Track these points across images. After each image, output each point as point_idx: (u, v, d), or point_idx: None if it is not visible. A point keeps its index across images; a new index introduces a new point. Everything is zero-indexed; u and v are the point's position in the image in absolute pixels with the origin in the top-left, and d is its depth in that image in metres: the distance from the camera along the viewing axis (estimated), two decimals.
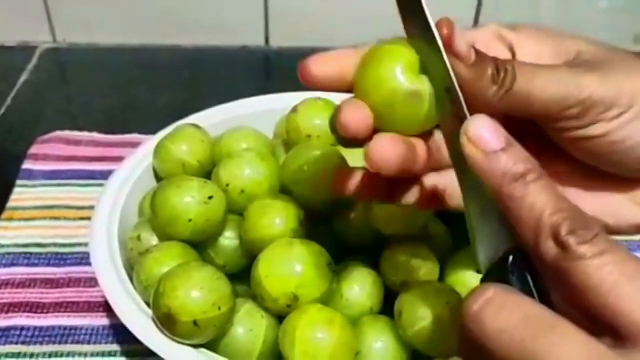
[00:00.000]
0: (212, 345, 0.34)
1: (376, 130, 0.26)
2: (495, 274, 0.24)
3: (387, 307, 0.37)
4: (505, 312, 0.21)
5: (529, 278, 0.23)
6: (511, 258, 0.23)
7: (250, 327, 0.35)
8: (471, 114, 0.24)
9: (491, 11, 0.72)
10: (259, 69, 0.74)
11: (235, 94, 0.51)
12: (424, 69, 0.26)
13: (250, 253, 0.38)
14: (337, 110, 0.26)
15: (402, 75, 0.25)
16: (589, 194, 0.31)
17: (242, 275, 0.39)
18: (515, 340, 0.20)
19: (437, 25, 0.25)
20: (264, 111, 0.50)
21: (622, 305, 0.20)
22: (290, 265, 0.34)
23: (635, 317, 0.20)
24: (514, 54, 0.30)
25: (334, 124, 0.26)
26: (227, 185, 0.40)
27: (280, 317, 0.35)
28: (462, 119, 0.24)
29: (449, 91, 0.25)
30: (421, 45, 0.25)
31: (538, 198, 0.22)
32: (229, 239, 0.39)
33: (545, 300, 0.22)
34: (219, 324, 0.33)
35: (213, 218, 0.38)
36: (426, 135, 0.28)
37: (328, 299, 0.35)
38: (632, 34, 0.74)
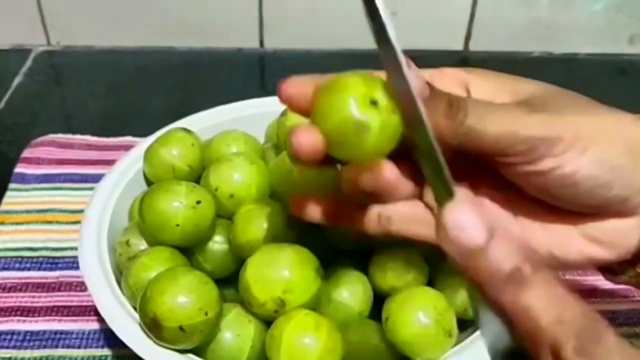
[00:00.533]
0: (199, 351, 0.34)
1: (328, 156, 0.26)
2: None
3: (376, 311, 0.37)
4: None
5: None
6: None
7: (237, 332, 0.35)
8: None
9: (486, 14, 0.72)
10: (253, 71, 0.74)
11: (230, 96, 0.51)
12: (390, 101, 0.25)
13: (239, 257, 0.38)
14: (290, 133, 0.26)
15: (351, 106, 0.25)
16: (539, 224, 0.30)
17: (230, 280, 0.39)
18: None
19: None
20: (256, 114, 0.50)
21: None
22: (278, 270, 0.34)
23: None
24: (469, 93, 0.30)
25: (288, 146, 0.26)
26: (216, 189, 0.40)
27: (268, 322, 0.35)
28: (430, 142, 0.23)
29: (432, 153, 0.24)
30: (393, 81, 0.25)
31: (533, 304, 0.19)
32: (217, 244, 0.39)
33: None
34: (205, 329, 0.33)
35: (201, 223, 0.38)
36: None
37: (316, 304, 0.35)
38: (627, 35, 0.74)
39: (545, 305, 0.19)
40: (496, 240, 0.20)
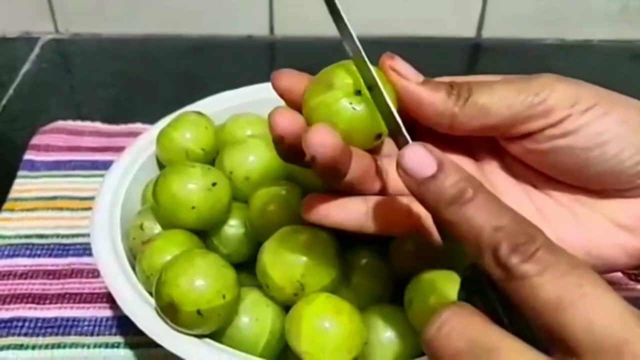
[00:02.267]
0: (216, 336, 0.33)
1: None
2: (464, 290, 0.24)
3: (397, 295, 0.36)
4: (454, 336, 0.21)
5: (488, 292, 0.22)
6: (466, 273, 0.23)
7: (255, 317, 0.34)
8: (431, 142, 0.24)
9: (499, 0, 0.71)
10: (263, 57, 0.73)
11: (239, 83, 0.50)
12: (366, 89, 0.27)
13: (256, 241, 0.37)
14: (270, 115, 0.27)
15: (337, 96, 0.27)
16: (567, 219, 0.30)
17: (247, 264, 0.38)
18: None
19: (381, 58, 0.28)
20: (268, 98, 0.48)
21: (568, 323, 0.20)
22: (297, 253, 0.33)
23: (580, 334, 0.19)
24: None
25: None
26: (231, 172, 0.39)
27: (286, 306, 0.34)
28: (398, 127, 0.25)
29: (371, 89, 0.27)
30: (368, 79, 0.27)
31: (474, 219, 0.22)
32: (233, 227, 0.38)
33: (508, 314, 0.22)
34: (223, 313, 0.32)
35: (217, 205, 0.37)
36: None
37: (335, 288, 0.34)
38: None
39: (485, 217, 0.22)
40: (444, 171, 0.23)
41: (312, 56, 0.77)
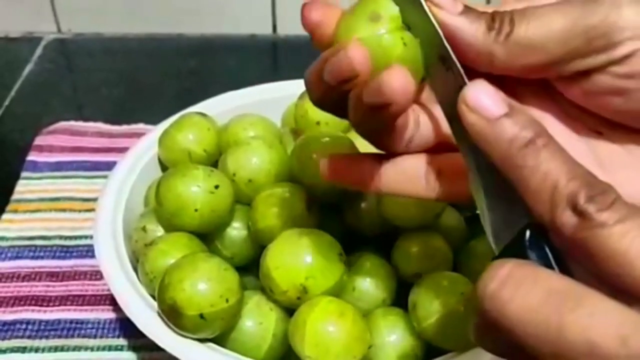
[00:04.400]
0: (219, 339, 0.33)
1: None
2: (510, 253, 0.22)
3: (400, 298, 0.36)
4: (526, 288, 0.19)
5: (549, 253, 0.21)
6: (528, 233, 0.21)
7: (259, 320, 0.34)
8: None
9: None
10: (266, 57, 0.73)
11: (242, 82, 0.50)
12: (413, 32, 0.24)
13: (259, 244, 0.37)
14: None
15: (387, 29, 0.24)
16: (624, 160, 0.27)
17: (250, 267, 0.38)
18: (540, 317, 0.19)
19: None
20: (271, 99, 0.49)
21: None
22: (300, 256, 0.33)
23: None
24: None
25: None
26: (234, 174, 0.39)
27: (290, 310, 0.34)
28: (460, 88, 0.22)
29: (444, 60, 0.23)
30: (410, 13, 0.24)
31: (551, 165, 0.20)
32: (236, 230, 0.38)
33: (565, 274, 0.21)
34: (226, 317, 0.32)
35: (220, 208, 0.37)
36: None
37: (339, 291, 0.34)
38: None
39: (562, 166, 0.20)
40: (517, 112, 0.21)
41: (316, 55, 0.77)
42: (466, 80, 0.23)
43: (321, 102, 0.26)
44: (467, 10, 0.24)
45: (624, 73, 0.24)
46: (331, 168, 0.28)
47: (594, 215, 0.19)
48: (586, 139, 0.27)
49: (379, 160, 0.27)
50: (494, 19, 0.24)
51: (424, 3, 0.24)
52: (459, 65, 0.23)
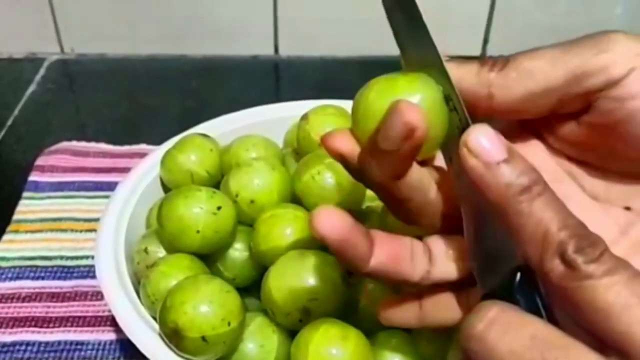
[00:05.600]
0: None
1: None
2: (498, 295, 0.23)
3: None
4: (512, 332, 0.20)
5: (537, 296, 0.22)
6: (518, 277, 0.22)
7: (261, 343, 0.33)
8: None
9: (504, 18, 0.71)
10: (268, 78, 0.73)
11: (244, 103, 0.50)
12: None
13: (261, 265, 0.37)
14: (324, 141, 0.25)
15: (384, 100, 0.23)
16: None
17: (252, 289, 0.38)
18: None
19: None
20: (273, 119, 0.49)
21: (632, 329, 0.19)
22: (302, 278, 0.33)
23: None
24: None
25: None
26: (237, 195, 0.39)
27: (292, 332, 0.34)
28: (462, 129, 0.22)
29: (448, 100, 0.24)
30: (411, 57, 0.25)
31: (545, 213, 0.21)
32: (238, 251, 0.38)
33: (551, 320, 0.21)
34: (228, 340, 0.32)
35: (222, 229, 0.36)
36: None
37: (342, 313, 0.34)
38: None
39: (555, 215, 0.21)
40: (515, 158, 0.21)
41: (317, 76, 0.78)
42: (469, 121, 0.23)
43: (388, 176, 0.24)
44: (456, 59, 0.25)
45: (621, 95, 0.24)
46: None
47: (582, 266, 0.20)
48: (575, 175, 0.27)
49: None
50: (485, 61, 0.25)
51: (439, 53, 0.24)
52: (463, 105, 0.23)
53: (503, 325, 0.20)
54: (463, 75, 0.25)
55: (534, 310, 0.21)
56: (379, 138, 0.22)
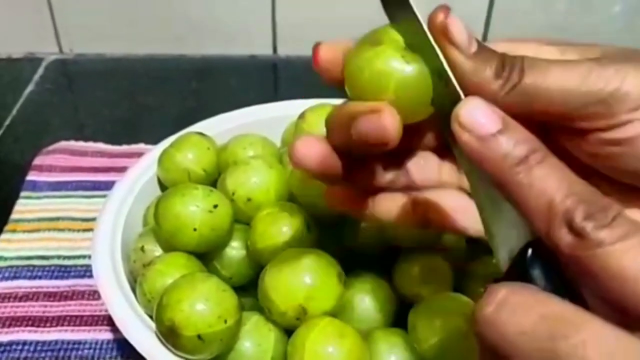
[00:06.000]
0: None
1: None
2: (514, 273, 0.22)
3: (400, 319, 0.35)
4: (521, 312, 0.19)
5: (552, 270, 0.21)
6: (530, 251, 0.21)
7: (257, 342, 0.33)
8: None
9: (502, 19, 0.71)
10: (266, 77, 0.73)
11: (243, 102, 0.50)
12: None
13: (257, 264, 0.37)
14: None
15: (385, 53, 0.24)
16: None
17: (248, 287, 0.38)
18: (535, 343, 0.18)
19: (433, 11, 0.24)
20: (271, 118, 0.49)
21: None
22: (299, 277, 0.33)
23: None
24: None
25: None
26: (233, 193, 0.39)
27: (288, 331, 0.33)
28: (456, 104, 0.22)
29: (441, 76, 0.23)
30: (408, 32, 0.24)
31: (547, 182, 0.20)
32: (235, 249, 0.38)
33: (574, 293, 0.20)
34: (224, 338, 0.32)
35: (218, 227, 0.36)
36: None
37: (338, 311, 0.34)
38: None
39: (558, 183, 0.20)
40: (511, 128, 0.21)
41: (316, 75, 0.77)
42: (462, 95, 0.23)
43: (339, 148, 0.26)
44: (480, 50, 0.24)
45: (614, 139, 0.24)
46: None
47: (591, 234, 0.19)
48: None
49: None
50: (504, 65, 0.24)
51: (422, 23, 0.24)
52: (455, 81, 0.23)
53: (512, 306, 0.19)
54: (477, 82, 0.24)
55: (552, 287, 0.21)
56: (352, 130, 0.23)
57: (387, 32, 0.25)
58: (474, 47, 0.24)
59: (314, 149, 0.26)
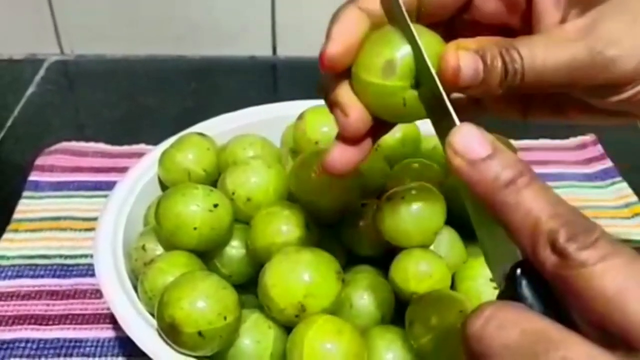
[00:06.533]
0: (217, 357, 0.33)
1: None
2: (508, 289, 0.23)
3: (398, 316, 0.36)
4: (506, 328, 0.20)
5: (541, 289, 0.22)
6: (518, 271, 0.22)
7: (257, 338, 0.34)
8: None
9: None
10: (266, 78, 0.74)
11: (242, 104, 0.51)
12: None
13: (257, 262, 0.37)
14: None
15: (395, 89, 0.27)
16: None
17: (248, 286, 0.38)
18: (518, 355, 0.19)
19: (443, 58, 0.26)
20: (270, 119, 0.49)
21: (630, 312, 0.19)
22: (298, 274, 0.33)
23: None
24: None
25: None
26: (233, 193, 0.39)
27: (288, 328, 0.34)
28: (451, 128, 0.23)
29: (438, 99, 0.25)
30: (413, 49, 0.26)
31: (533, 203, 0.21)
32: (235, 248, 0.39)
33: (561, 312, 0.21)
34: (224, 335, 0.32)
35: (218, 226, 0.37)
36: None
37: (337, 309, 0.34)
38: None
39: (543, 205, 0.21)
40: (500, 153, 0.22)
41: (315, 77, 0.77)
42: (457, 121, 0.24)
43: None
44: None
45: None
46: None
47: (574, 254, 0.20)
48: None
49: None
50: (507, 72, 0.26)
51: (424, 51, 0.25)
52: (450, 107, 0.24)
53: (498, 322, 0.20)
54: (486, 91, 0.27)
55: (540, 306, 0.21)
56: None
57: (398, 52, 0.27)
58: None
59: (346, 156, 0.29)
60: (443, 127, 0.25)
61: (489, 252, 0.24)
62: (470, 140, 0.22)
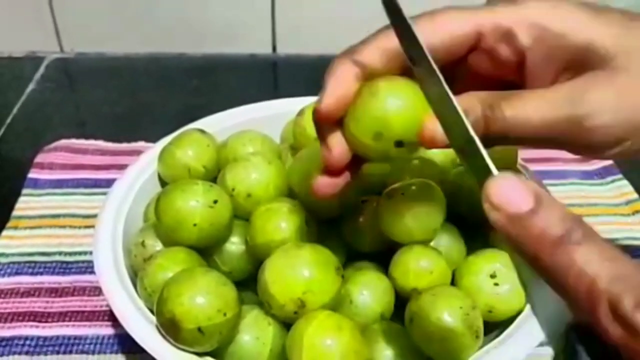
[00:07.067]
0: (217, 353, 0.33)
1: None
2: (563, 349, 0.21)
3: (398, 312, 0.36)
4: None
5: (600, 346, 0.19)
6: (574, 336, 0.20)
7: (256, 335, 0.34)
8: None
9: None
10: (266, 76, 0.74)
11: (243, 100, 0.51)
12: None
13: (257, 258, 0.37)
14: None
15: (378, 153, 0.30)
16: None
17: (248, 282, 0.38)
18: None
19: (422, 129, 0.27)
20: (270, 116, 0.49)
21: None
22: (297, 270, 0.33)
23: None
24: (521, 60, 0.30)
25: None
26: (233, 189, 0.39)
27: (287, 324, 0.34)
28: (487, 174, 0.21)
29: (470, 142, 0.22)
30: (438, 101, 0.25)
31: (587, 264, 0.18)
32: (234, 245, 0.38)
33: None
34: (224, 331, 0.32)
35: (218, 222, 0.37)
36: None
37: (336, 305, 0.34)
38: None
39: (600, 265, 0.18)
40: (545, 205, 0.19)
41: (314, 75, 0.77)
42: (494, 170, 0.21)
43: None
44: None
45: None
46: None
47: None
48: None
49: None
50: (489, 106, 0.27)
51: (454, 100, 0.23)
52: (484, 153, 0.22)
53: None
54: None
55: None
56: None
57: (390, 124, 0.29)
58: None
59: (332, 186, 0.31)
60: (477, 167, 0.22)
61: (536, 306, 0.22)
62: (509, 192, 0.20)
